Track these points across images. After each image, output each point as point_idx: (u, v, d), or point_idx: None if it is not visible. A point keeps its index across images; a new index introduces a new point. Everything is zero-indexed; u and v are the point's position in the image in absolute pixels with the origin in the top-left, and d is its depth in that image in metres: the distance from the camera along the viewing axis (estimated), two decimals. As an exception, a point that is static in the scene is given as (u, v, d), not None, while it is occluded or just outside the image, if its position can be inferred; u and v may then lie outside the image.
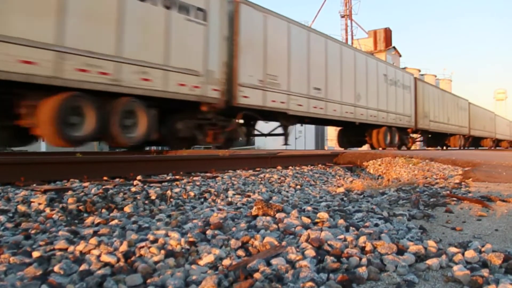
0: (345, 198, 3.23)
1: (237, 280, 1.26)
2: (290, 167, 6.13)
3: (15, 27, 6.00)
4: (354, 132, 17.48)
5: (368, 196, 3.28)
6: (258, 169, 5.76)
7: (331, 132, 38.46)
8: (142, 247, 1.53)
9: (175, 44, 8.26)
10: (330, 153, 8.19)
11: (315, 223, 1.96)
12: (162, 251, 1.49)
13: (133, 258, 1.45)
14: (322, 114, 13.22)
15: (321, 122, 16.25)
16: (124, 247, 1.53)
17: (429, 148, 25.04)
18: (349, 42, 42.32)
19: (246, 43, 10.08)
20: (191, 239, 1.62)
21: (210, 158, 5.91)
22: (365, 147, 18.69)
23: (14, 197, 2.78)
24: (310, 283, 1.22)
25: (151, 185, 3.55)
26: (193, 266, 1.38)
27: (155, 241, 1.60)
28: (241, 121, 11.56)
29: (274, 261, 1.39)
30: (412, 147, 22.20)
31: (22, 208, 2.55)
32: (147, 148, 11.44)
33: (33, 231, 2.02)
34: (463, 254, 1.51)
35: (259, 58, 10.60)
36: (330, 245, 1.57)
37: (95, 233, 1.83)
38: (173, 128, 9.13)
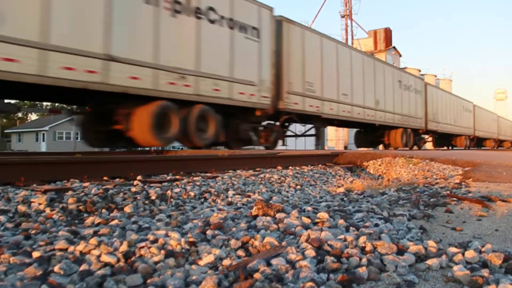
0: (345, 198, 3.23)
1: (237, 280, 1.26)
2: (290, 167, 6.13)
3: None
4: (373, 134, 19.17)
5: (368, 196, 3.28)
6: (258, 169, 5.76)
7: (331, 132, 38.46)
8: (142, 247, 1.53)
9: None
10: (330, 153, 8.19)
11: (315, 223, 1.96)
12: (162, 251, 1.49)
13: (133, 258, 1.45)
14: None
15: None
16: (124, 247, 1.53)
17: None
18: (349, 42, 42.33)
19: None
20: (191, 239, 1.62)
21: (210, 158, 5.91)
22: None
23: (14, 197, 2.78)
24: (310, 283, 1.22)
25: (151, 185, 3.55)
26: (193, 266, 1.38)
27: (155, 241, 1.60)
28: None
29: (274, 261, 1.39)
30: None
31: (22, 208, 2.55)
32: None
33: (33, 231, 2.02)
34: (463, 254, 1.51)
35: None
36: (330, 245, 1.57)
37: (95, 233, 1.83)
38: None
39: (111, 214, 2.67)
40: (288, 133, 14.97)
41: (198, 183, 3.87)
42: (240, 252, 1.55)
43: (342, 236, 1.68)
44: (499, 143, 38.82)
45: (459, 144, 28.79)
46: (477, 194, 3.11)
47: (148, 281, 1.27)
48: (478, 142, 32.71)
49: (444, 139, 27.21)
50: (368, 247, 1.56)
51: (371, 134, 19.18)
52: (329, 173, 6.05)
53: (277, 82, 11.78)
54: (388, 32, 47.08)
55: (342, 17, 46.80)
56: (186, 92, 8.97)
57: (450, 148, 27.95)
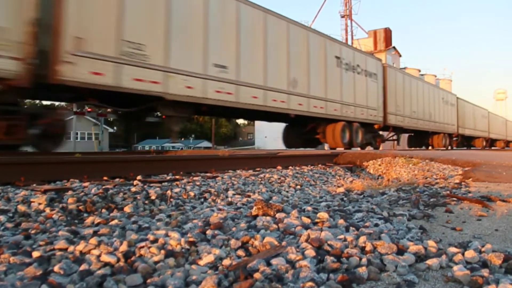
0: (345, 198, 3.23)
1: (237, 280, 1.26)
2: (290, 167, 6.13)
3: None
4: (304, 129, 14.69)
5: (368, 196, 3.28)
6: (258, 169, 5.76)
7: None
8: (142, 247, 1.53)
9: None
10: (330, 153, 8.19)
11: (315, 223, 1.96)
12: (162, 251, 1.49)
13: (133, 258, 1.45)
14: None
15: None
16: (124, 247, 1.53)
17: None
18: (349, 42, 42.34)
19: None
20: (191, 239, 1.62)
21: (210, 158, 5.91)
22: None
23: (14, 197, 2.78)
24: (310, 283, 1.22)
25: (151, 185, 3.55)
26: (193, 266, 1.38)
27: (155, 241, 1.60)
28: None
29: (274, 261, 1.39)
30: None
31: (22, 208, 2.55)
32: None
33: (33, 231, 2.02)
34: (463, 254, 1.51)
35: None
36: (330, 245, 1.57)
37: (95, 233, 1.83)
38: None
39: (111, 214, 2.67)
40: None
41: (198, 183, 3.87)
42: (240, 252, 1.55)
43: (342, 236, 1.68)
44: (491, 143, 34.63)
45: (436, 143, 23.53)
46: (477, 194, 3.10)
47: (148, 281, 1.27)
48: (463, 142, 28.50)
49: (419, 138, 23.18)
50: (368, 247, 1.56)
51: (303, 130, 14.55)
52: (329, 173, 6.05)
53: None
54: (388, 32, 47.06)
55: (342, 17, 46.79)
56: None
57: (427, 148, 23.42)
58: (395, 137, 20.72)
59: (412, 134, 23.34)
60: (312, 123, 14.06)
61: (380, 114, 17.08)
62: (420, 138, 23.38)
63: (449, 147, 24.91)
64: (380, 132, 18.63)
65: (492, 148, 33.13)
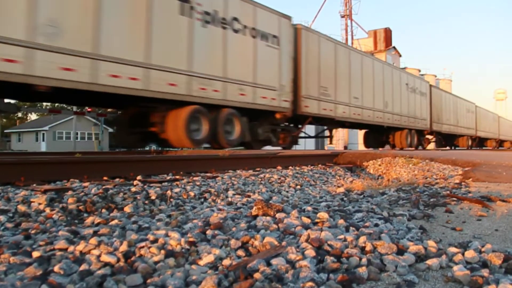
0: (345, 198, 3.23)
1: (237, 280, 1.26)
2: (290, 167, 6.13)
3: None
4: (378, 134, 18.66)
5: (368, 196, 3.28)
6: (258, 169, 5.76)
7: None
8: (142, 247, 1.53)
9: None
10: (330, 153, 8.19)
11: (315, 223, 1.96)
12: (162, 251, 1.49)
13: (133, 258, 1.45)
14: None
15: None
16: (124, 247, 1.53)
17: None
18: (349, 42, 42.35)
19: None
20: (191, 239, 1.62)
21: (210, 158, 5.91)
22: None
23: (14, 197, 2.78)
24: (310, 283, 1.22)
25: (151, 185, 3.55)
26: (193, 266, 1.38)
27: (155, 241, 1.60)
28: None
29: (274, 261, 1.39)
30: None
31: (22, 208, 2.55)
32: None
33: (33, 231, 2.02)
34: (463, 254, 1.51)
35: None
36: (330, 245, 1.57)
37: (95, 233, 1.83)
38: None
39: (111, 214, 2.67)
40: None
41: (198, 183, 3.87)
42: (240, 252, 1.55)
43: (342, 236, 1.68)
44: (500, 143, 36.09)
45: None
46: (477, 194, 3.10)
47: (148, 281, 1.27)
48: (441, 140, 25.50)
49: (447, 140, 25.35)
50: (368, 247, 1.56)
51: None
52: (329, 173, 6.05)
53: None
54: (388, 32, 47.11)
55: (342, 17, 46.84)
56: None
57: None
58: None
59: (368, 130, 19.62)
60: (134, 108, 9.12)
61: (285, 98, 11.48)
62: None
63: (420, 147, 21.16)
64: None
65: (483, 148, 31.06)
